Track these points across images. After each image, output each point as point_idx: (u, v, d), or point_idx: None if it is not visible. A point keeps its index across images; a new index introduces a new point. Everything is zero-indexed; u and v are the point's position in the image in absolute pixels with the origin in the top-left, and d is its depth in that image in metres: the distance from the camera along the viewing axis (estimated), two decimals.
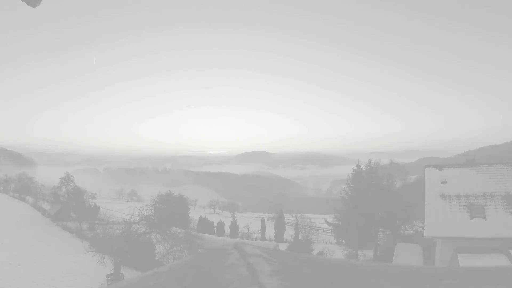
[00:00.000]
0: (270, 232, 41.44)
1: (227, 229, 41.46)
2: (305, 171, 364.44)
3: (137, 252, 19.92)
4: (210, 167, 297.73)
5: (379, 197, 23.98)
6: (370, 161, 26.70)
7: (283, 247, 27.90)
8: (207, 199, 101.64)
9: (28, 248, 25.04)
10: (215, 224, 41.74)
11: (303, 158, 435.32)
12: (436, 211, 13.91)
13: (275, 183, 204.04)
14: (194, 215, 44.98)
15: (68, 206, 43.64)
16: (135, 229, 20.74)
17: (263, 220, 42.65)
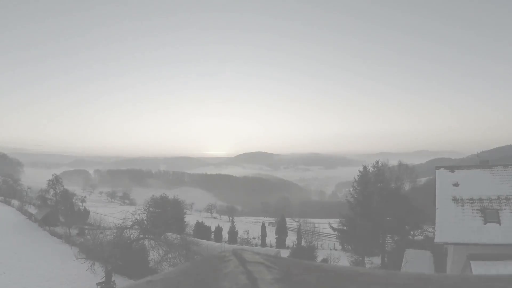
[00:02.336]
0: (271, 237, 41.44)
1: (225, 235, 41.46)
2: (308, 173, 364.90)
3: (130, 259, 19.93)
4: (207, 169, 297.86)
5: (387, 200, 24.01)
6: (377, 162, 26.73)
7: (284, 253, 27.91)
8: (204, 202, 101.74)
9: (13, 255, 25.05)
10: (213, 229, 41.74)
11: (306, 159, 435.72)
12: (447, 215, 13.91)
13: (276, 185, 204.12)
14: (190, 219, 45.01)
15: (56, 210, 43.62)
16: (127, 235, 20.74)
17: (263, 225, 42.65)
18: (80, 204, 48.54)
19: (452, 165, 18.07)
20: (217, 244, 33.34)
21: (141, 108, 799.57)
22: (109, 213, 53.85)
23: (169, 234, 22.35)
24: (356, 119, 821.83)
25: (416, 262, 17.00)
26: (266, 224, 44.94)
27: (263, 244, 39.97)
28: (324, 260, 24.22)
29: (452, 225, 13.47)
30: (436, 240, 13.40)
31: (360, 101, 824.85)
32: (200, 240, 29.66)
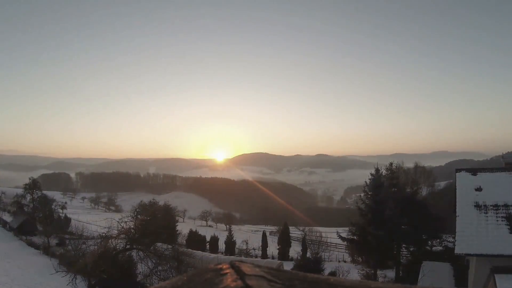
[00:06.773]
0: (272, 248, 41.53)
1: (222, 245, 41.54)
2: (315, 176, 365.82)
3: (115, 272, 19.93)
4: (201, 172, 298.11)
5: (402, 207, 24.01)
6: (391, 164, 26.74)
7: (288, 266, 27.93)
8: (198, 209, 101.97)
9: None
10: (208, 239, 41.84)
11: (312, 161, 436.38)
12: (469, 223, 13.90)
13: (278, 190, 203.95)
14: (183, 228, 45.09)
15: (33, 218, 43.73)
16: (112, 245, 20.75)
17: (264, 235, 42.70)
18: (60, 211, 48.72)
19: (474, 168, 18.12)
20: (213, 255, 33.39)
21: (128, 105, 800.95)
22: (92, 221, 53.87)
23: (159, 244, 22.39)
24: (368, 117, 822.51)
25: (435, 275, 17.02)
26: (267, 233, 44.99)
27: (264, 255, 40.01)
28: (332, 274, 24.24)
29: (474, 234, 13.47)
30: (457, 251, 13.40)
31: (371, 98, 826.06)
32: (194, 251, 29.69)
